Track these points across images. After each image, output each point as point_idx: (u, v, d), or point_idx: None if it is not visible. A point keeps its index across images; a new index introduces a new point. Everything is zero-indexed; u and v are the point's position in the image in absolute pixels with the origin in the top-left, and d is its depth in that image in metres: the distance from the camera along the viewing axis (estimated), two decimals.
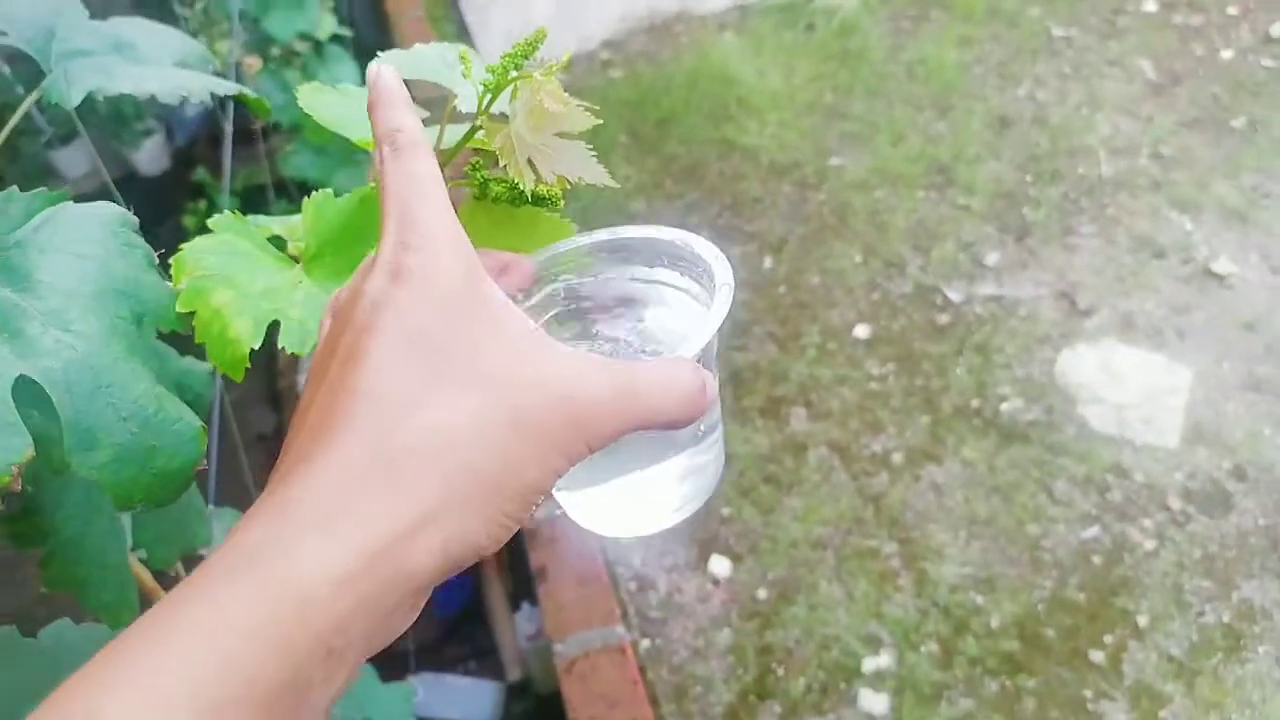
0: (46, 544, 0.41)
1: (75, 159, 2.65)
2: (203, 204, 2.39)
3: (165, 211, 2.47)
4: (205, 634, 0.22)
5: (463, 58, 0.39)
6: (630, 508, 0.41)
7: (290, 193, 2.21)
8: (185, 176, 2.56)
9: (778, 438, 1.98)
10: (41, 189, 0.38)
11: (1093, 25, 2.81)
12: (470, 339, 0.27)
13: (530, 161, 0.37)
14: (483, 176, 0.39)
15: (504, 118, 0.37)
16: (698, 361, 0.34)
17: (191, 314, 0.32)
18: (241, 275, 0.34)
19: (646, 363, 0.31)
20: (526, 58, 0.36)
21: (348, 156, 1.89)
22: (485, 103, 0.37)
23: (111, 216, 0.33)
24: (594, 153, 0.39)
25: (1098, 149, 2.44)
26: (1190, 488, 1.81)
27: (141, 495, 0.29)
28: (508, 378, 0.27)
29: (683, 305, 0.41)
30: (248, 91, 0.53)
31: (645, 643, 1.72)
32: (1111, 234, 2.25)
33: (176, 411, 0.30)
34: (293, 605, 0.22)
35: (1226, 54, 2.65)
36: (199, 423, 0.31)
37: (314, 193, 0.39)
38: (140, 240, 0.33)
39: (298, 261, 0.38)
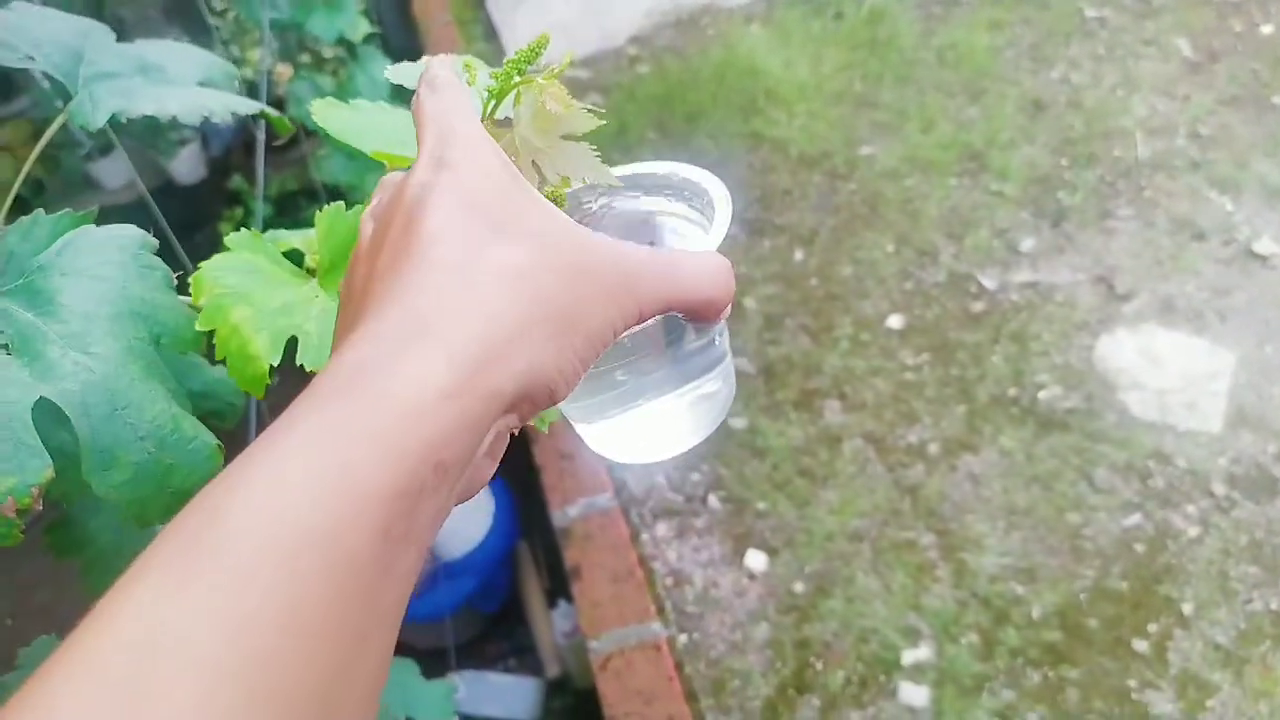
0: (84, 554, 0.43)
1: (114, 170, 2.70)
2: (239, 211, 2.43)
3: (203, 219, 2.51)
4: (323, 443, 0.22)
5: (467, 66, 0.39)
6: (646, 435, 0.42)
7: (322, 198, 2.24)
8: (222, 185, 2.60)
9: (812, 431, 1.98)
10: (67, 210, 0.39)
11: (1127, 5, 2.76)
12: (521, 210, 0.28)
13: (535, 164, 0.38)
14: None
15: (509, 122, 0.38)
16: None
17: (211, 332, 0.33)
18: (259, 292, 0.35)
19: (678, 249, 0.32)
20: (530, 63, 0.37)
21: (378, 160, 1.90)
22: (489, 108, 0.37)
23: (131, 238, 0.34)
24: (598, 153, 0.40)
25: (1134, 130, 2.40)
26: (1234, 473, 1.78)
27: (158, 514, 0.30)
28: (561, 236, 0.28)
29: (686, 228, 0.43)
30: (269, 110, 0.54)
31: (683, 638, 1.72)
32: (1150, 216, 2.21)
33: (193, 430, 0.31)
34: (404, 415, 0.23)
35: (1266, 29, 2.59)
36: (215, 440, 0.32)
37: (325, 206, 0.40)
38: (159, 262, 0.34)
39: (314, 275, 0.39)
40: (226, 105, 0.50)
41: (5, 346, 0.28)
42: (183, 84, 0.53)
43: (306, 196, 2.38)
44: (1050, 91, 2.56)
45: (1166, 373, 1.93)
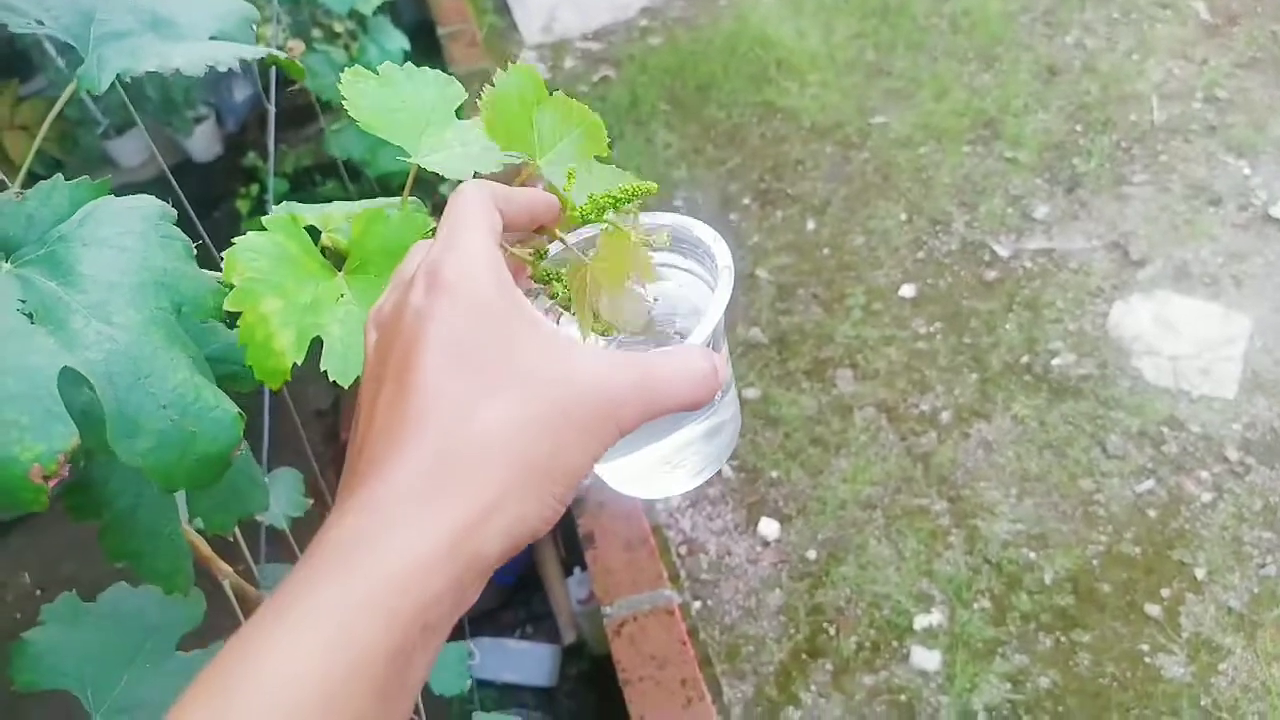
0: (102, 517, 0.44)
1: (131, 148, 2.72)
2: (255, 188, 2.44)
3: (219, 196, 2.53)
4: (328, 616, 0.26)
5: (570, 175, 0.40)
6: (658, 473, 0.44)
7: (340, 172, 2.25)
8: (237, 162, 2.61)
9: (824, 399, 1.98)
10: (84, 178, 0.40)
11: None
12: (507, 344, 0.30)
13: (595, 307, 0.40)
14: (546, 274, 0.41)
15: (584, 242, 0.39)
16: (708, 342, 0.37)
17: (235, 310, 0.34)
18: (290, 283, 0.36)
19: (662, 353, 0.34)
20: (628, 201, 0.39)
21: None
22: (577, 219, 0.39)
23: (151, 209, 0.35)
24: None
25: (1149, 95, 2.38)
26: (1249, 438, 1.78)
27: (183, 479, 0.31)
28: (544, 376, 0.30)
29: (688, 282, 0.44)
30: (277, 53, 0.54)
31: (696, 604, 1.75)
32: (1165, 182, 2.20)
33: (215, 399, 0.32)
34: (394, 585, 0.26)
35: None
36: (235, 409, 0.33)
37: (367, 206, 0.41)
38: (178, 232, 0.35)
39: (330, 254, 0.39)
40: (234, 54, 0.50)
41: (30, 316, 0.29)
42: (194, 38, 0.53)
43: (321, 171, 2.39)
44: (1064, 57, 2.53)
45: (1181, 339, 1.92)
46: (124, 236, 0.33)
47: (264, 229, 0.39)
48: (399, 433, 0.29)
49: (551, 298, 0.41)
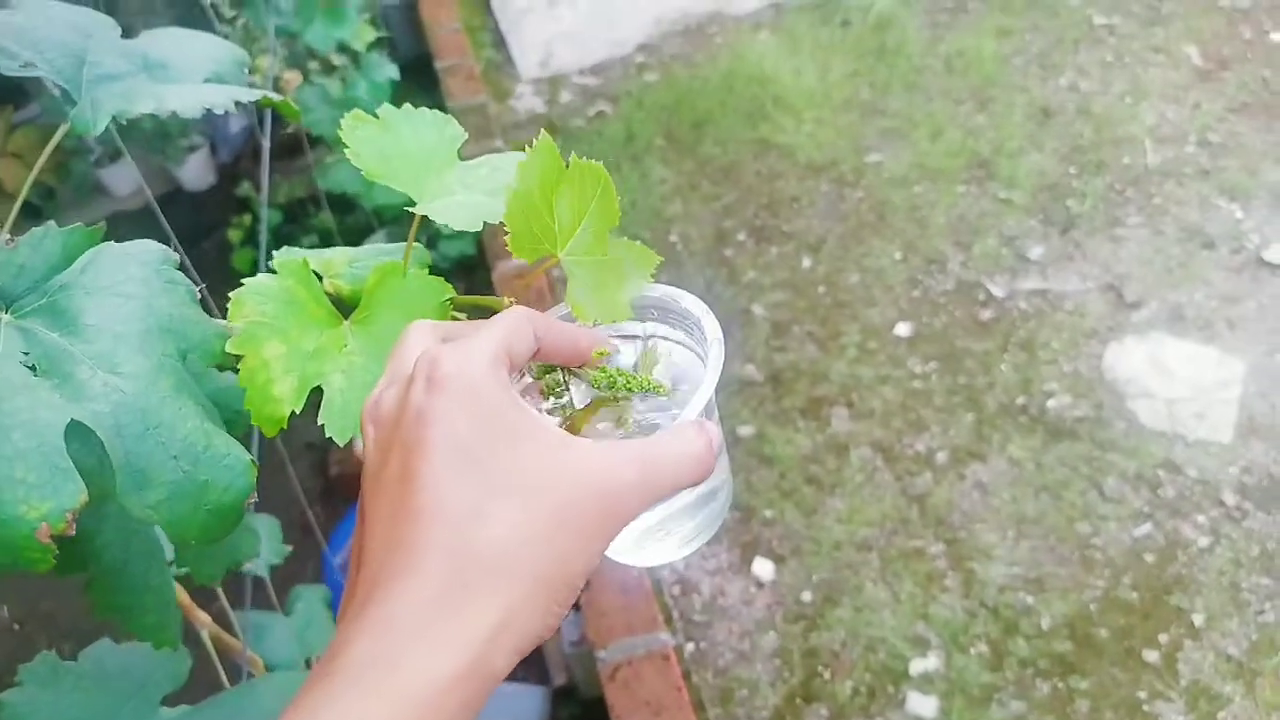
0: (88, 570, 0.42)
1: (123, 176, 2.71)
2: (247, 218, 2.43)
3: (211, 226, 2.52)
4: None
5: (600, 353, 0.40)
6: (649, 541, 0.44)
7: (333, 204, 2.25)
8: (230, 191, 2.60)
9: (819, 438, 1.97)
10: (78, 225, 0.39)
11: (1135, 12, 2.75)
12: (507, 446, 0.31)
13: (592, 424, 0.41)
14: (554, 383, 0.41)
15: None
16: (701, 415, 0.37)
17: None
18: (295, 329, 0.35)
19: (660, 436, 0.35)
20: (638, 390, 0.40)
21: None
22: (597, 403, 0.40)
23: (153, 255, 0.34)
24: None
25: (1143, 138, 2.40)
26: (1245, 483, 1.77)
27: (196, 532, 0.30)
28: (545, 481, 0.31)
29: (677, 351, 0.44)
30: (273, 95, 0.53)
31: (689, 646, 1.72)
32: (1159, 224, 2.21)
33: (226, 446, 0.31)
34: (412, 709, 0.27)
35: (1277, 36, 2.59)
36: (248, 456, 0.32)
37: (388, 257, 0.41)
38: (181, 277, 0.34)
39: (332, 299, 0.38)
40: (229, 96, 0.49)
41: (32, 368, 0.28)
42: (188, 79, 0.52)
43: (314, 203, 2.38)
44: (1059, 99, 2.55)
45: (1176, 382, 1.92)
46: (127, 283, 0.32)
47: (271, 270, 0.38)
48: (406, 547, 0.29)
49: (547, 395, 0.41)
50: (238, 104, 0.50)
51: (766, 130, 2.63)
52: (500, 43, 3.15)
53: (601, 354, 0.40)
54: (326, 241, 2.35)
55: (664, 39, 3.05)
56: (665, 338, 0.45)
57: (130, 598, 0.40)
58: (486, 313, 0.42)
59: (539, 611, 0.30)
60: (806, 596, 1.75)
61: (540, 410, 0.40)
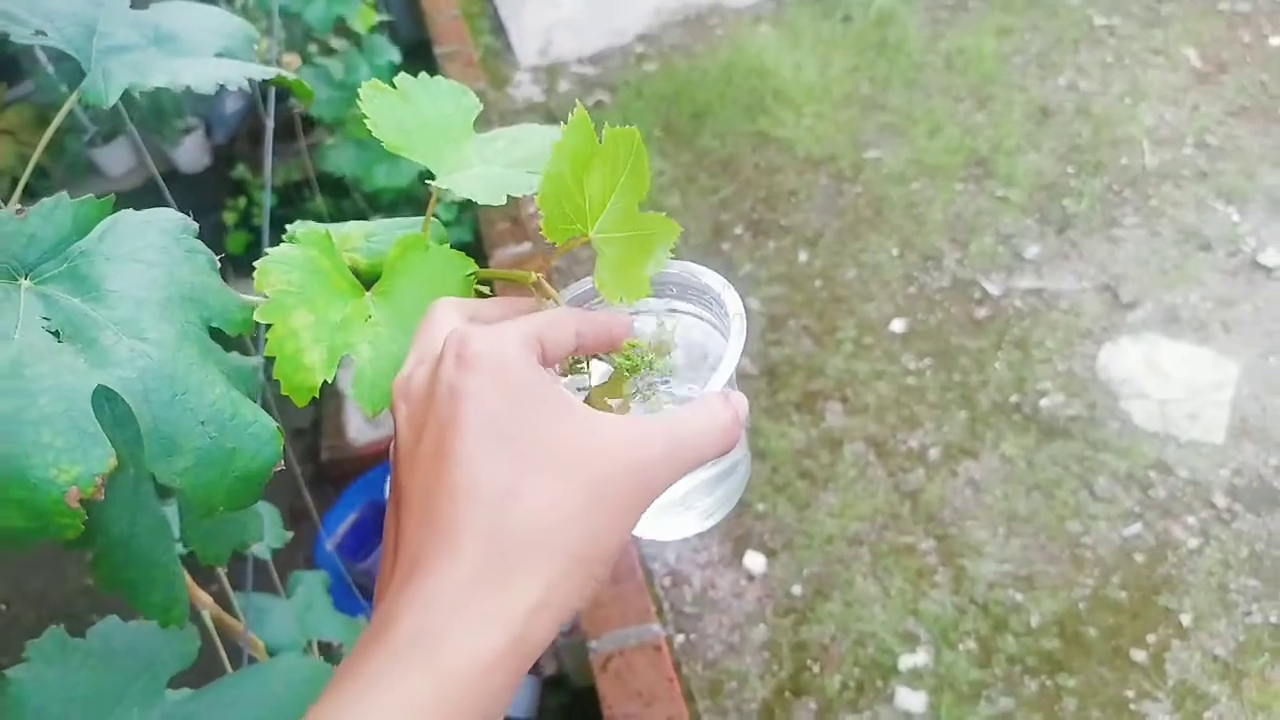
0: (94, 544, 0.42)
1: (117, 157, 2.69)
2: (242, 200, 2.41)
3: (206, 208, 2.50)
4: (388, 711, 0.27)
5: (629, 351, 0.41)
6: (669, 516, 0.44)
7: (328, 188, 2.23)
8: (225, 173, 2.58)
9: (813, 433, 1.97)
10: (89, 195, 0.39)
11: (1135, 13, 2.76)
12: (540, 423, 0.31)
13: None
14: (573, 360, 0.41)
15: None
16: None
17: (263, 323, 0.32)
18: (321, 298, 0.34)
19: (687, 409, 0.35)
20: (651, 366, 0.40)
21: (386, 151, 1.89)
22: (620, 379, 0.40)
23: (173, 223, 0.33)
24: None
25: (1141, 139, 2.40)
26: (1236, 484, 1.78)
27: (222, 499, 0.30)
28: (577, 457, 0.31)
29: (696, 325, 0.45)
30: (286, 74, 0.53)
31: (680, 638, 1.72)
32: (1156, 226, 2.21)
33: (252, 414, 0.31)
34: (457, 686, 0.28)
35: (1275, 41, 2.60)
36: (274, 424, 0.31)
37: (409, 231, 0.40)
38: (202, 246, 0.34)
39: (354, 274, 0.38)
40: (242, 72, 0.48)
41: (55, 334, 0.27)
42: (199, 54, 0.51)
43: (310, 187, 2.37)
44: (1057, 98, 2.56)
45: (1170, 383, 1.93)
46: (147, 250, 0.31)
47: (294, 241, 0.37)
48: (444, 525, 0.30)
49: (566, 372, 0.41)
50: (242, 85, 0.49)
51: (765, 123, 2.63)
52: (499, 29, 3.13)
53: (632, 344, 0.40)
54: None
55: (664, 29, 3.04)
56: (685, 312, 0.45)
57: (137, 572, 0.40)
58: (511, 287, 0.42)
59: (575, 588, 0.30)
60: (797, 590, 1.76)
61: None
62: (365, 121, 0.41)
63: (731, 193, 2.48)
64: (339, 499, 1.86)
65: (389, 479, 0.35)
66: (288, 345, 0.33)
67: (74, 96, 0.48)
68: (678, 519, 0.44)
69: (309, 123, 2.39)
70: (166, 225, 0.33)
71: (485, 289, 0.43)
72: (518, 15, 3.17)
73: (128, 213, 0.34)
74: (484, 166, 0.45)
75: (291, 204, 2.38)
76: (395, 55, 1.92)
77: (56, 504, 0.25)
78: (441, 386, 0.32)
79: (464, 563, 0.29)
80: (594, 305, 0.45)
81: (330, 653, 1.06)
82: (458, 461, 0.30)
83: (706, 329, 0.44)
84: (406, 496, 0.32)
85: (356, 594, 1.39)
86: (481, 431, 0.30)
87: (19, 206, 0.38)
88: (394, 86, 0.45)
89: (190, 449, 0.29)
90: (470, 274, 0.41)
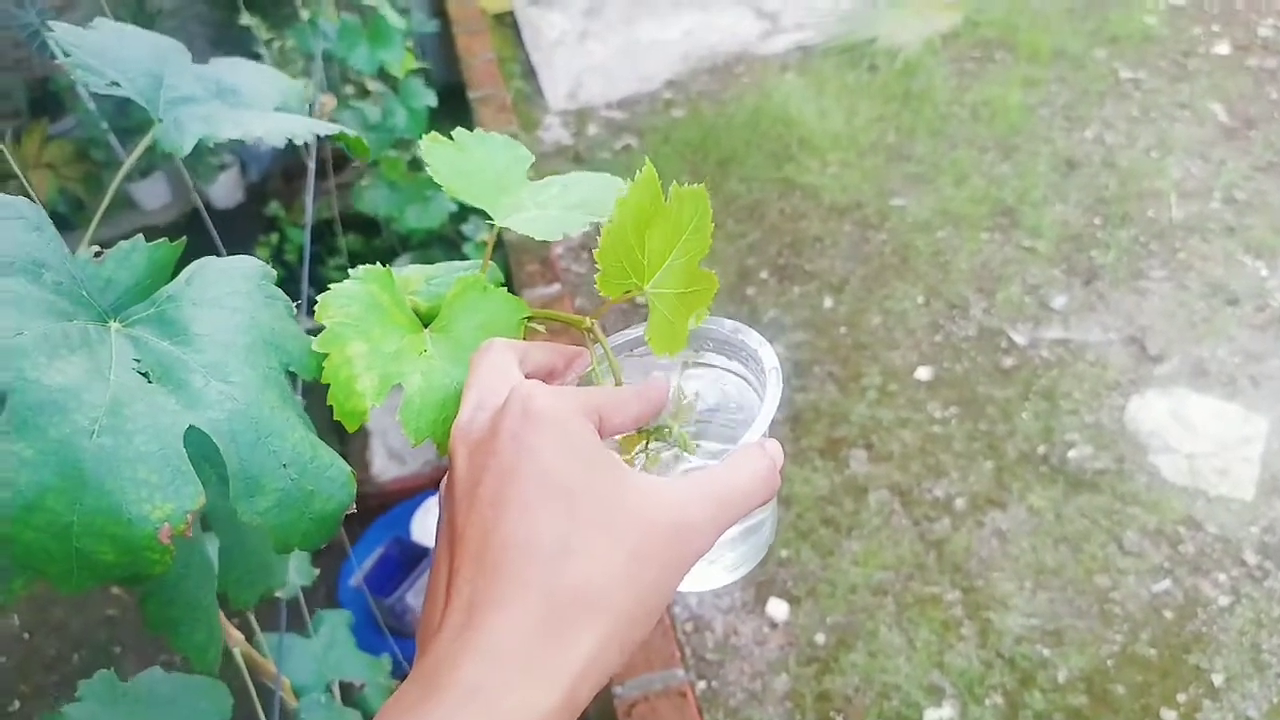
0: (145, 583, 0.42)
1: (154, 191, 2.74)
2: (275, 237, 2.45)
3: (238, 244, 2.53)
4: None
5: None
6: (697, 567, 0.44)
7: (358, 226, 2.26)
8: (258, 210, 2.62)
9: (837, 479, 1.96)
10: (163, 240, 0.40)
11: (1162, 68, 2.77)
12: (595, 484, 0.32)
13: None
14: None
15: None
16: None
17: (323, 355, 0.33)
18: (377, 330, 0.36)
19: (726, 464, 0.36)
20: (683, 420, 0.41)
21: (419, 193, 1.93)
22: (646, 443, 0.41)
23: (253, 269, 0.34)
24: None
25: (1168, 192, 2.40)
26: (1267, 542, 1.75)
27: (299, 539, 0.30)
28: (628, 519, 0.32)
29: (733, 382, 0.45)
30: (348, 132, 0.55)
31: (701, 685, 1.70)
32: (1183, 279, 2.21)
33: (330, 458, 0.32)
34: None
35: None
36: (349, 468, 0.32)
37: (469, 272, 0.41)
38: (280, 292, 0.35)
39: (422, 317, 0.39)
40: (309, 128, 0.50)
41: (145, 375, 0.28)
42: (260, 107, 0.53)
43: (341, 224, 2.40)
44: (1084, 150, 2.57)
45: (1198, 437, 1.91)
46: (232, 297, 0.32)
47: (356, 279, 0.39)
48: (502, 577, 0.31)
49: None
50: (309, 139, 0.51)
51: (791, 170, 2.65)
52: (530, 74, 3.19)
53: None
54: (353, 263, 2.37)
55: (692, 76, 3.09)
56: (720, 367, 0.46)
57: (182, 612, 0.40)
58: (564, 331, 0.43)
59: (620, 647, 0.31)
60: (820, 639, 1.74)
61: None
62: (428, 169, 0.42)
63: (757, 238, 2.49)
64: (363, 535, 1.86)
65: (442, 516, 0.36)
66: (341, 372, 0.34)
67: (144, 142, 0.50)
68: (702, 571, 0.44)
69: (341, 162, 2.43)
70: (249, 271, 0.34)
71: (539, 326, 0.44)
72: (549, 61, 3.22)
73: (212, 259, 0.35)
74: (539, 210, 0.46)
75: (321, 240, 2.41)
76: (432, 100, 1.96)
77: (149, 540, 0.26)
78: (504, 435, 0.33)
79: (523, 617, 0.30)
80: (636, 354, 0.46)
81: (351, 693, 1.05)
82: (517, 512, 0.31)
83: (740, 384, 0.45)
84: (462, 538, 0.33)
85: (383, 631, 1.39)
86: (541, 485, 0.32)
87: (97, 249, 0.39)
88: (451, 139, 0.46)
89: (273, 490, 0.30)
90: (525, 317, 0.42)
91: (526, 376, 0.38)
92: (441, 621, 0.31)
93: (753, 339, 0.44)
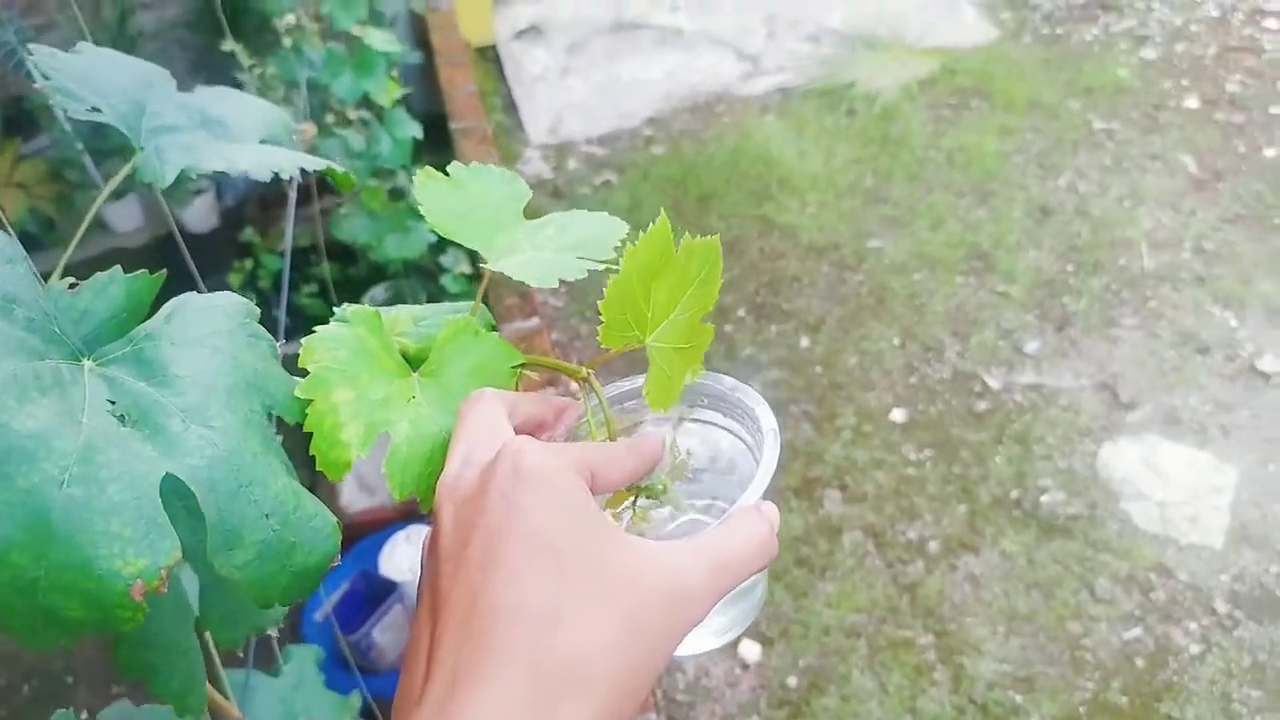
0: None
1: (126, 214, 2.71)
2: (249, 263, 2.42)
3: (211, 269, 2.51)
4: None
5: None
6: None
7: (336, 254, 2.24)
8: (232, 235, 2.60)
9: (811, 520, 1.96)
10: (142, 271, 0.38)
11: (1134, 119, 2.83)
12: (586, 546, 0.31)
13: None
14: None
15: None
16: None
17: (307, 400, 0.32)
18: (365, 376, 0.34)
19: (723, 529, 0.35)
20: (675, 478, 0.40)
21: (399, 222, 1.92)
22: (633, 500, 0.40)
23: (236, 308, 0.33)
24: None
25: (1140, 242, 2.44)
26: (1237, 590, 1.76)
27: (279, 594, 0.29)
28: (621, 585, 0.31)
29: (726, 439, 0.44)
30: (335, 167, 0.54)
31: None
32: (1154, 327, 2.24)
33: (314, 507, 0.30)
34: None
35: (1270, 152, 2.66)
36: (334, 518, 0.31)
37: (459, 315, 0.40)
38: (264, 331, 0.33)
39: (409, 361, 0.38)
40: (294, 162, 0.49)
41: (121, 418, 0.27)
42: (245, 139, 0.52)
43: (318, 252, 2.38)
44: (1057, 198, 2.60)
45: (1170, 485, 1.92)
46: (214, 336, 0.31)
47: (342, 320, 0.37)
48: (487, 647, 0.29)
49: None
50: (294, 174, 0.50)
51: (770, 210, 2.67)
52: (511, 108, 3.20)
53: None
54: (325, 291, 2.34)
55: (673, 115, 3.11)
56: (713, 423, 0.45)
57: (158, 656, 0.38)
58: (557, 381, 0.42)
59: (612, 716, 0.30)
60: (792, 681, 1.72)
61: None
62: (420, 208, 0.41)
63: (735, 275, 2.50)
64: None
65: (423, 576, 0.34)
66: (326, 421, 0.33)
67: (124, 170, 0.49)
68: (690, 636, 0.44)
69: (320, 189, 2.42)
70: (231, 310, 0.33)
71: (531, 373, 0.43)
72: (530, 95, 3.23)
73: (193, 296, 0.33)
74: (534, 252, 0.45)
75: (298, 268, 2.39)
76: (417, 131, 1.95)
77: (121, 597, 0.24)
78: (494, 494, 0.32)
79: (508, 691, 0.29)
80: (631, 407, 0.45)
81: None
82: (505, 575, 0.30)
83: (734, 442, 0.44)
84: (446, 601, 0.31)
85: (349, 667, 1.36)
86: (531, 547, 0.30)
87: (71, 281, 0.38)
88: (445, 174, 0.45)
89: (253, 542, 0.28)
90: (517, 365, 0.41)
91: (515, 429, 0.36)
92: (423, 694, 0.30)
93: (751, 397, 0.43)
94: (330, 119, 2.15)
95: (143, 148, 0.49)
